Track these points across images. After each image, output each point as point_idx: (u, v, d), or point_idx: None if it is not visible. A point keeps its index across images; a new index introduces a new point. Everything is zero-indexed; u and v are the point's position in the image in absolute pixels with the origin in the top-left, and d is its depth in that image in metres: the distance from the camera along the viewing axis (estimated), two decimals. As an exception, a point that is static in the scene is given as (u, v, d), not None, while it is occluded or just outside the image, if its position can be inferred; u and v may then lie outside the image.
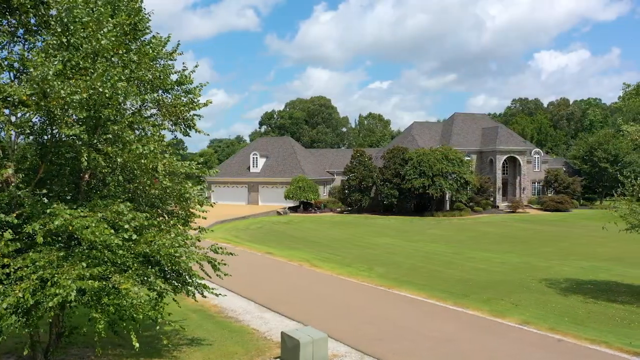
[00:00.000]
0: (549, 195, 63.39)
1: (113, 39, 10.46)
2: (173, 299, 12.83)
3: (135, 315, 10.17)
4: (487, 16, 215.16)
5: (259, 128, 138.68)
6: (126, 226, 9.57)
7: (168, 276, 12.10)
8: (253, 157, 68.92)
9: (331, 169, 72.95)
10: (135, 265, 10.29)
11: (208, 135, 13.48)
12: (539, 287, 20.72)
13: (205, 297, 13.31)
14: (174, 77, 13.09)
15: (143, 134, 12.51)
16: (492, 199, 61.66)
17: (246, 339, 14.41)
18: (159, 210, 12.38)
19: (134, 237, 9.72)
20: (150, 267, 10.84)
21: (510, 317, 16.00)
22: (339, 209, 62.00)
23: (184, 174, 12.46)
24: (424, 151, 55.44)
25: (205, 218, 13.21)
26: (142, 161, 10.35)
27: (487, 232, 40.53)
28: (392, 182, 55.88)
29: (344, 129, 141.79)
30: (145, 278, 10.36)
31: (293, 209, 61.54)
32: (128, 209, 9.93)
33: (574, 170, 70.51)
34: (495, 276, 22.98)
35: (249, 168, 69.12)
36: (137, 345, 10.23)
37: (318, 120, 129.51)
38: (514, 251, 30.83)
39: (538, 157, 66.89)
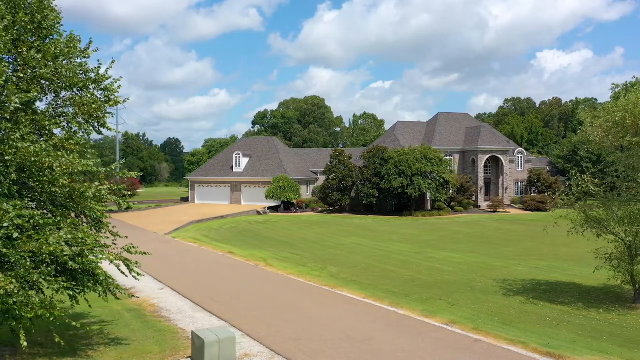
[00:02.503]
0: (532, 195, 63.35)
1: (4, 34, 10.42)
2: (85, 298, 12.79)
3: (24, 314, 10.12)
4: (490, 16, 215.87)
5: (252, 127, 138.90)
6: (5, 224, 9.52)
7: (78, 276, 12.04)
8: (236, 157, 68.84)
9: (315, 169, 72.89)
10: (27, 264, 10.22)
11: (119, 132, 13.42)
12: (485, 287, 20.68)
13: (119, 298, 13.28)
14: (91, 74, 13.09)
15: (64, 131, 12.62)
16: (474, 198, 61.68)
17: (167, 339, 14.34)
18: (67, 209, 12.28)
19: (15, 235, 9.67)
20: (46, 266, 10.76)
21: (440, 317, 15.93)
22: (320, 209, 61.95)
23: (102, 173, 12.48)
24: (403, 151, 55.38)
25: (108, 217, 13.14)
26: (33, 159, 10.28)
27: (459, 232, 40.51)
28: (372, 181, 55.93)
29: (338, 129, 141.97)
30: (40, 277, 10.30)
31: (274, 209, 61.45)
32: (17, 207, 9.90)
33: (558, 170, 70.49)
34: (445, 276, 22.93)
35: (232, 168, 69.04)
36: (25, 344, 10.15)
37: (310, 120, 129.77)
38: (476, 251, 30.81)
39: (521, 157, 66.89)
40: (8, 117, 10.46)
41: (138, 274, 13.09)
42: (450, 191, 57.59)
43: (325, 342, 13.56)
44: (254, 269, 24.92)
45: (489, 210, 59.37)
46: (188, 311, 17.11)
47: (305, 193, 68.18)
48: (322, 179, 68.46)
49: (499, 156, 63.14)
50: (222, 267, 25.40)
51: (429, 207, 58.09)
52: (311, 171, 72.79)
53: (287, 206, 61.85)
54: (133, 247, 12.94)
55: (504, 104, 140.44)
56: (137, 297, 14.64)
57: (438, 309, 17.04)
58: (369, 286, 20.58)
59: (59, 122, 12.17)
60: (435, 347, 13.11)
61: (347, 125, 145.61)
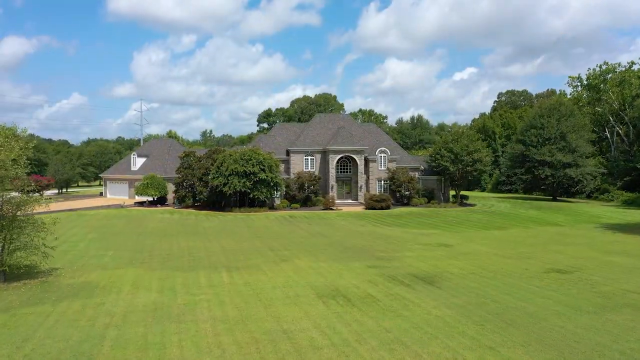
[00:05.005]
0: (380, 193, 66.58)
1: None
2: None
3: None
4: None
5: (257, 125, 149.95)
6: None
7: None
8: (132, 158, 75.64)
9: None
10: None
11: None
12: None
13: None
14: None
15: None
16: (328, 195, 63.65)
17: None
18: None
19: None
20: None
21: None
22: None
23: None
24: (230, 153, 59.28)
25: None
26: None
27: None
28: (203, 180, 60.00)
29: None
30: None
31: (153, 203, 64.49)
32: None
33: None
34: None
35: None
36: None
37: (306, 118, 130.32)
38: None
39: (384, 157, 69.18)
40: None
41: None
42: (280, 191, 61.33)
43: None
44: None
45: (323, 208, 61.43)
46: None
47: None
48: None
49: (354, 156, 66.50)
50: None
51: (272, 205, 61.70)
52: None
53: (161, 201, 65.14)
54: None
55: (498, 97, 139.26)
56: None
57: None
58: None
59: None
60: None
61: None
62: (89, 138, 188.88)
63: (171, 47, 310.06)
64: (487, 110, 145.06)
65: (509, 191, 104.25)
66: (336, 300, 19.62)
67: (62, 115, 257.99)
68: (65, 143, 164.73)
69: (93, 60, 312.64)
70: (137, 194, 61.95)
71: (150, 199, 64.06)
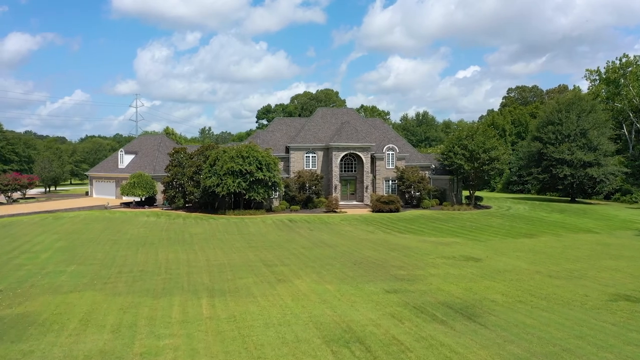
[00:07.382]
0: (388, 194, 62.03)
1: None
2: None
3: None
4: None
5: (256, 122, 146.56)
6: None
7: None
8: (120, 155, 71.12)
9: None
10: None
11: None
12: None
13: None
14: None
15: None
16: (331, 196, 58.38)
17: None
18: None
19: None
20: None
21: None
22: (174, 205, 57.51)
23: None
24: (225, 149, 53.38)
25: None
26: None
27: (194, 234, 37.60)
28: (194, 179, 54.80)
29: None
30: None
31: (140, 204, 59.20)
32: None
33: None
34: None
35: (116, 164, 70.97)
36: None
37: (306, 114, 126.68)
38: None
39: (392, 154, 64.33)
40: None
41: None
42: (279, 191, 55.67)
43: None
44: None
45: (326, 210, 55.76)
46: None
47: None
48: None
49: (359, 153, 61.09)
50: None
51: (270, 207, 56.31)
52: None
53: (150, 202, 60.38)
54: None
55: (508, 93, 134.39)
56: None
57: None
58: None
59: None
60: None
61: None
62: (86, 135, 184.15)
63: (175, 45, 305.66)
64: (490, 108, 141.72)
65: (521, 191, 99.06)
66: (350, 348, 14.32)
67: (63, 112, 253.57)
68: (60, 140, 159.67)
69: (96, 58, 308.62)
70: (123, 194, 56.61)
71: (138, 199, 58.84)
